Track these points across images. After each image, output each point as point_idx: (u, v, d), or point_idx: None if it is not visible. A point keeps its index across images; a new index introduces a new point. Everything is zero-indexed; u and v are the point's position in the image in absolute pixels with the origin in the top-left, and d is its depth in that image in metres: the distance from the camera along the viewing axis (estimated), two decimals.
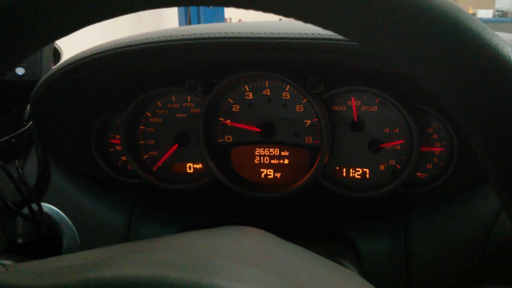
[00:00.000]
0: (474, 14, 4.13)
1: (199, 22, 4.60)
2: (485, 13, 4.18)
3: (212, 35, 0.52)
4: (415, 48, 0.23)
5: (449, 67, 0.23)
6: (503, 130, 0.22)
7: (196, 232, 0.38)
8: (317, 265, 0.33)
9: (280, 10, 0.24)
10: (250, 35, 0.51)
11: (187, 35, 0.53)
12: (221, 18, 4.87)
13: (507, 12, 4.26)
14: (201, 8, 4.30)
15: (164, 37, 0.54)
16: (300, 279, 0.28)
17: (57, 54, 0.78)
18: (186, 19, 4.52)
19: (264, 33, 0.52)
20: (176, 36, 0.53)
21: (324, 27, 0.25)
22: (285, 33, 0.51)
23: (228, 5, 0.26)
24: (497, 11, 4.31)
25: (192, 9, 4.40)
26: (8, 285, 0.22)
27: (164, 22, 4.25)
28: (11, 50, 0.27)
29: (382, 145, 0.66)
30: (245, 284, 0.22)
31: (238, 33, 0.52)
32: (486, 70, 0.22)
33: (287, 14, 0.25)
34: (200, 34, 0.53)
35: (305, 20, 0.24)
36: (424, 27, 0.22)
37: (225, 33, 0.52)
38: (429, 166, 0.65)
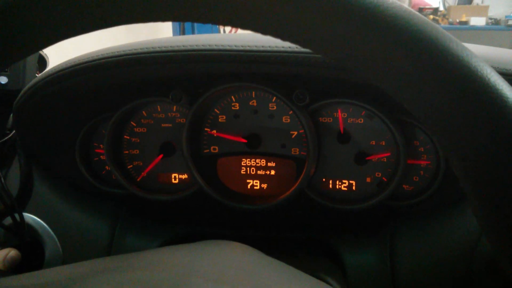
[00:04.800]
0: (467, 22, 4.15)
1: (193, 32, 4.60)
2: (478, 21, 4.19)
3: (196, 47, 0.52)
4: (387, 67, 0.22)
5: (423, 87, 0.22)
6: (480, 154, 0.22)
7: (176, 247, 0.37)
8: (300, 284, 0.33)
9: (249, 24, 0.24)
10: (234, 47, 0.51)
11: (171, 46, 0.52)
12: (215, 28, 4.87)
13: (500, 20, 4.28)
14: None
15: (147, 48, 0.53)
16: None
17: (43, 62, 0.77)
18: (180, 28, 4.52)
19: (248, 46, 0.51)
20: (159, 48, 0.53)
21: (290, 41, 0.24)
22: (269, 46, 0.50)
23: (205, 22, 0.25)
24: (490, 19, 4.33)
25: None
26: None
27: (158, 31, 4.24)
28: None
29: (368, 158, 0.66)
30: None
31: (221, 45, 0.51)
32: (465, 92, 0.21)
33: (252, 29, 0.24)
34: (183, 46, 0.52)
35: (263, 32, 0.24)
36: (396, 44, 0.21)
37: (209, 45, 0.51)
38: (416, 179, 0.65)
